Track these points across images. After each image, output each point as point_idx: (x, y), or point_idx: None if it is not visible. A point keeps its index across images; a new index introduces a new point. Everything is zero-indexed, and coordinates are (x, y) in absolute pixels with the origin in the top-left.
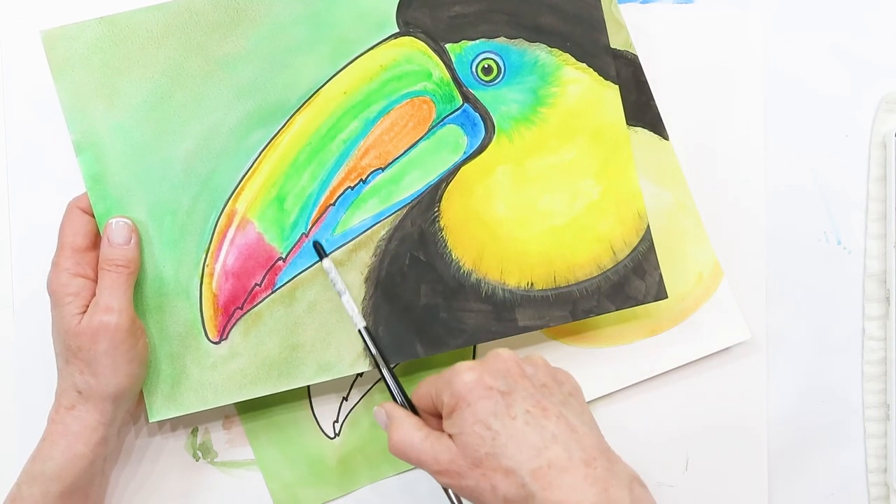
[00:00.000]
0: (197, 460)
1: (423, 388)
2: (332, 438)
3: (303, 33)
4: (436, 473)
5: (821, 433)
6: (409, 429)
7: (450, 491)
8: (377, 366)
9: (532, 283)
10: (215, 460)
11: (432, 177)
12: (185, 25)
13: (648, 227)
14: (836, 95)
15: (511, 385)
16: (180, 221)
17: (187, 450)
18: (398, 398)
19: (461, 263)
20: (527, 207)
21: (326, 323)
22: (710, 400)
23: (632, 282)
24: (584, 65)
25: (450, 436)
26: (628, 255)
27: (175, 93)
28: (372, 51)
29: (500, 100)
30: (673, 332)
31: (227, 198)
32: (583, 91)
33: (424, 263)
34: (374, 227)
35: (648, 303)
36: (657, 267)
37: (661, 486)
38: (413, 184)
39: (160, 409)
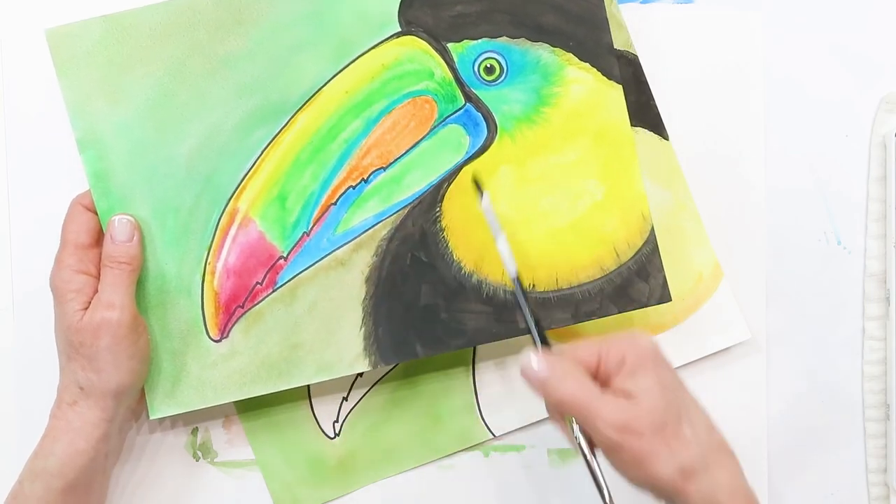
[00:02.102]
0: (197, 460)
1: (588, 346)
2: (332, 438)
3: (305, 32)
4: (611, 428)
5: (821, 433)
6: (583, 380)
7: (592, 458)
8: (522, 314)
9: (534, 285)
10: (215, 460)
11: (434, 177)
12: (187, 24)
13: (652, 228)
14: (836, 95)
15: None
16: (183, 219)
17: (187, 449)
18: (540, 346)
19: (462, 264)
20: (529, 208)
21: (327, 323)
22: (710, 400)
23: (635, 284)
24: (588, 65)
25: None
26: (632, 258)
27: (178, 91)
28: (374, 50)
29: (502, 99)
30: (673, 332)
31: (229, 196)
32: (586, 91)
33: (426, 264)
34: (375, 227)
35: (651, 306)
36: (661, 269)
37: None
38: (415, 183)
39: (160, 407)
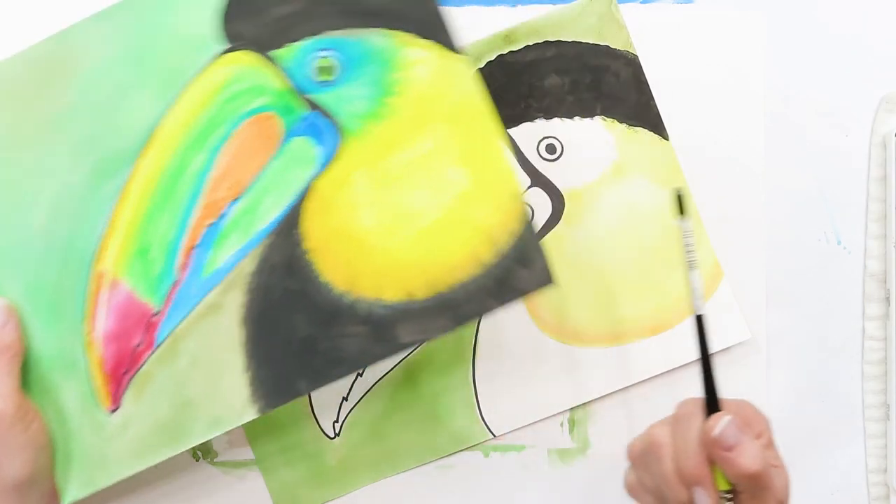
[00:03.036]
0: (197, 460)
1: (742, 409)
2: (332, 438)
3: (127, 73)
4: (775, 501)
5: (821, 433)
6: (765, 455)
7: None
8: (703, 364)
9: (411, 294)
10: (215, 460)
11: (289, 198)
12: (7, 93)
13: (525, 208)
14: (837, 95)
15: None
16: (53, 294)
17: (187, 450)
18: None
19: (333, 286)
20: (392, 213)
21: (211, 375)
22: None
23: (516, 273)
24: (428, 41)
25: None
26: (510, 245)
27: (17, 160)
28: (201, 74)
29: (344, 99)
30: (673, 332)
31: (91, 260)
32: (431, 71)
33: (296, 293)
34: (241, 263)
35: (533, 291)
36: (541, 251)
37: None
38: (271, 210)
39: (71, 490)
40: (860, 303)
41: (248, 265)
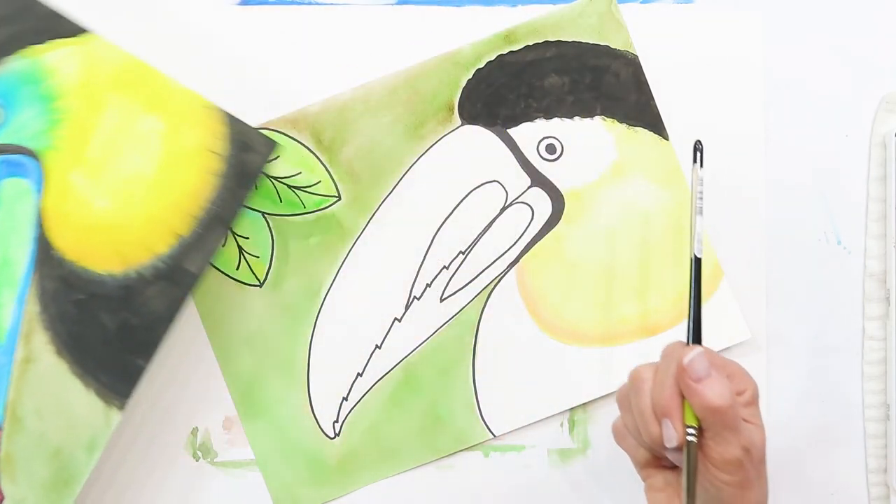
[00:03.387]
0: (197, 460)
1: (724, 363)
2: (332, 438)
3: None
4: (740, 448)
5: (821, 433)
6: (731, 390)
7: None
8: (693, 302)
9: (178, 233)
10: (215, 460)
11: (30, 233)
12: None
13: (220, 108)
14: (836, 95)
15: None
16: None
17: (187, 449)
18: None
19: (113, 272)
20: (119, 186)
21: (62, 414)
22: None
23: (247, 160)
24: (56, 39)
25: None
26: (227, 143)
27: None
28: None
29: (20, 128)
30: (673, 332)
31: None
32: (74, 60)
33: (85, 300)
34: (25, 310)
35: (269, 162)
36: (252, 129)
37: None
38: (20, 252)
39: None
40: (860, 303)
41: (33, 308)
